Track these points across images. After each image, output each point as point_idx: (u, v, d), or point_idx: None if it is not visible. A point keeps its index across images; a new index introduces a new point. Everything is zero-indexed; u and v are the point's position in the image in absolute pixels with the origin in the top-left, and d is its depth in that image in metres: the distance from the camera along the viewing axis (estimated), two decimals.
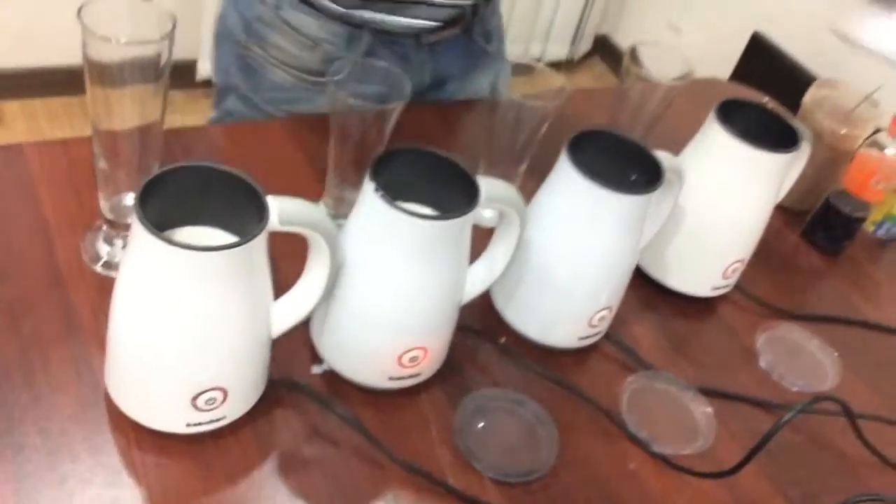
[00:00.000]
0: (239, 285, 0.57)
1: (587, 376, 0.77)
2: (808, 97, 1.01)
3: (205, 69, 2.31)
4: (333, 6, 0.91)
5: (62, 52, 2.12)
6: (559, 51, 2.86)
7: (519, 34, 2.75)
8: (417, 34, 0.96)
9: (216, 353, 0.58)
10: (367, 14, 0.92)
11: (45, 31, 2.09)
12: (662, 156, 0.72)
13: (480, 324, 0.78)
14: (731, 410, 0.77)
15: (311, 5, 0.92)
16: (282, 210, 0.56)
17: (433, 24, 0.96)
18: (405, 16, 0.94)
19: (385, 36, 0.95)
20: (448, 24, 0.97)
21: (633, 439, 0.72)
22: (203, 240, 0.54)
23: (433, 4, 0.94)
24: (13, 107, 2.19)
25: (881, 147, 0.95)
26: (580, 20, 2.83)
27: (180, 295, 0.55)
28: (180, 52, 2.25)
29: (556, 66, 2.88)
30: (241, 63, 0.99)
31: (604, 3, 2.83)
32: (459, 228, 0.62)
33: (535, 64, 0.86)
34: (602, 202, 0.68)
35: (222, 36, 1.02)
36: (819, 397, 0.68)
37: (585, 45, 2.91)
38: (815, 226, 1.00)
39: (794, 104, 1.02)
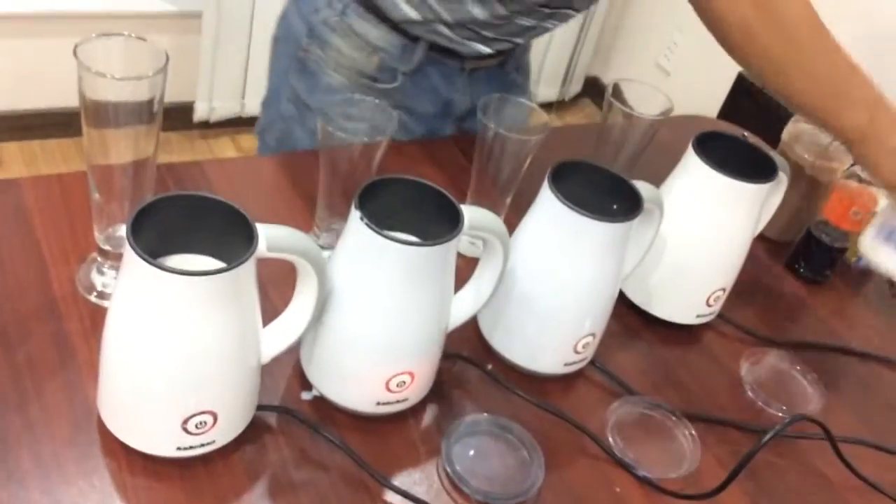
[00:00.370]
0: (228, 310, 0.58)
1: (573, 402, 0.78)
2: (787, 132, 1.04)
3: (202, 111, 2.35)
4: (410, 11, 0.96)
5: (60, 95, 2.16)
6: (550, 92, 2.91)
7: None
8: (464, 58, 1.02)
9: (206, 377, 0.59)
10: (439, 28, 0.97)
11: (42, 74, 2.14)
12: (642, 186, 0.74)
13: (468, 350, 0.79)
14: (716, 435, 0.78)
15: (381, 13, 0.97)
16: (270, 237, 0.58)
17: (488, 51, 1.01)
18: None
19: (437, 54, 1.00)
20: (493, 55, 1.03)
21: (619, 463, 0.73)
22: (193, 267, 0.55)
23: (492, 39, 1.00)
24: (11, 148, 2.23)
25: (859, 179, 0.98)
26: (570, 62, 2.88)
27: (170, 319, 0.56)
28: (177, 95, 2.29)
29: (548, 106, 2.94)
30: (300, 65, 1.04)
31: (593, 46, 2.89)
32: (444, 255, 0.64)
33: (522, 100, 0.89)
34: (582, 230, 0.70)
35: (283, 38, 1.07)
36: (797, 417, 0.70)
37: (576, 86, 2.97)
38: (798, 256, 1.02)
39: (778, 140, 1.04)
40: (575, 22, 2.77)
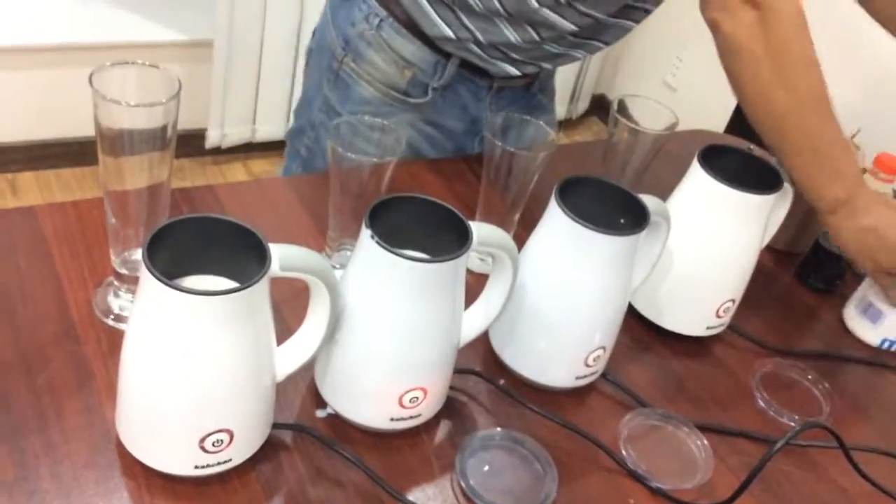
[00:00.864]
0: (243, 330, 0.59)
1: (585, 415, 0.78)
2: None
3: (214, 137, 2.38)
4: (446, 29, 0.98)
5: (74, 125, 2.19)
6: (558, 110, 2.92)
7: None
8: (492, 77, 1.05)
9: (222, 396, 0.60)
10: (472, 46, 1.00)
11: (58, 105, 2.17)
12: (649, 200, 0.75)
13: (480, 366, 0.80)
14: (729, 446, 0.79)
15: (416, 29, 1.00)
16: (283, 256, 0.59)
17: (516, 72, 1.04)
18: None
19: (467, 71, 1.03)
20: (520, 76, 1.06)
21: (633, 475, 0.73)
22: (208, 287, 0.57)
23: (521, 62, 1.03)
24: (27, 177, 2.26)
25: None
26: (577, 81, 2.90)
27: (186, 339, 0.57)
28: (189, 122, 2.32)
29: (556, 125, 2.94)
30: (333, 76, 1.06)
31: (599, 65, 2.91)
32: (453, 271, 0.65)
33: (528, 118, 0.90)
34: (590, 244, 0.71)
35: (318, 50, 1.10)
36: (808, 424, 0.70)
37: (583, 104, 2.98)
38: (807, 266, 1.03)
39: None
40: None
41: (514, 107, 1.10)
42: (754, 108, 0.84)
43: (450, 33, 0.98)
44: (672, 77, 2.69)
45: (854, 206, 0.84)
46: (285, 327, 0.67)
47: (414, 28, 1.00)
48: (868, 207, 0.84)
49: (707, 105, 2.12)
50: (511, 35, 0.97)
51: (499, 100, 1.09)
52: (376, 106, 1.04)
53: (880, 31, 1.01)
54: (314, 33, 1.13)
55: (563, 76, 2.84)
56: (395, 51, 1.01)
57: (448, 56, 1.01)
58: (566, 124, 2.98)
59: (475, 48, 0.99)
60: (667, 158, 0.93)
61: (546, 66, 1.05)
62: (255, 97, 2.36)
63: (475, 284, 0.74)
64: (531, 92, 1.13)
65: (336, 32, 1.06)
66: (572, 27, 0.96)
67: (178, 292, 0.55)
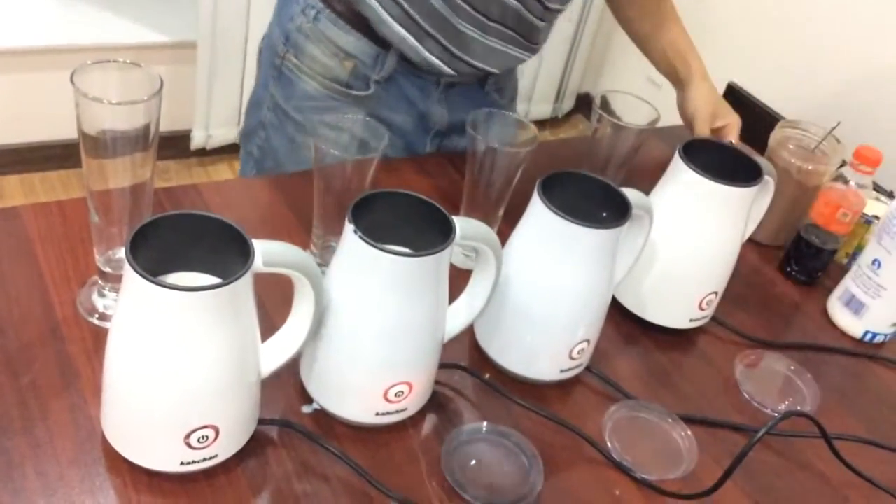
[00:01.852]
0: (226, 325, 0.59)
1: (570, 407, 0.79)
2: (773, 138, 1.06)
3: (199, 138, 2.37)
4: (393, 24, 0.98)
5: (58, 128, 2.19)
6: (543, 109, 2.94)
7: None
8: (439, 73, 1.03)
9: (207, 392, 0.60)
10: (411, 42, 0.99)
11: (41, 108, 2.16)
12: (631, 193, 0.76)
13: (465, 360, 0.80)
14: (713, 437, 0.79)
15: (351, 20, 0.99)
16: (266, 252, 0.60)
17: (456, 74, 1.03)
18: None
19: (409, 65, 1.02)
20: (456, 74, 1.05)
21: (618, 466, 0.74)
22: (192, 283, 0.57)
23: (474, 66, 1.02)
24: (12, 181, 2.25)
25: (845, 181, 0.99)
26: (562, 79, 2.91)
27: (170, 335, 0.58)
28: (174, 123, 2.32)
29: (541, 123, 2.96)
30: (277, 73, 1.07)
31: (584, 63, 2.92)
32: (436, 265, 0.65)
33: (511, 114, 0.90)
34: (573, 237, 0.72)
35: (265, 49, 1.10)
36: (788, 413, 0.71)
37: (568, 102, 2.99)
38: (789, 259, 1.04)
39: (766, 146, 1.06)
40: (565, 40, 2.80)
41: (466, 104, 1.08)
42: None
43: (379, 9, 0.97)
44: (656, 74, 2.69)
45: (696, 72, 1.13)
46: (270, 324, 0.68)
47: (351, 18, 0.99)
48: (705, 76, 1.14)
49: None
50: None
51: (449, 96, 1.08)
52: (320, 100, 1.04)
53: (859, 26, 1.02)
54: (264, 34, 1.12)
55: (548, 75, 2.85)
56: (334, 42, 1.01)
57: (388, 47, 1.01)
58: (552, 122, 2.99)
59: (408, 36, 0.98)
60: (650, 153, 0.94)
61: (476, 63, 1.03)
62: (240, 98, 2.36)
63: (460, 280, 0.75)
64: (484, 90, 1.12)
65: (278, 29, 1.06)
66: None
67: (162, 288, 0.55)
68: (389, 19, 0.97)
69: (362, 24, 0.99)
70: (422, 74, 1.04)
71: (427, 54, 1.00)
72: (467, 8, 0.97)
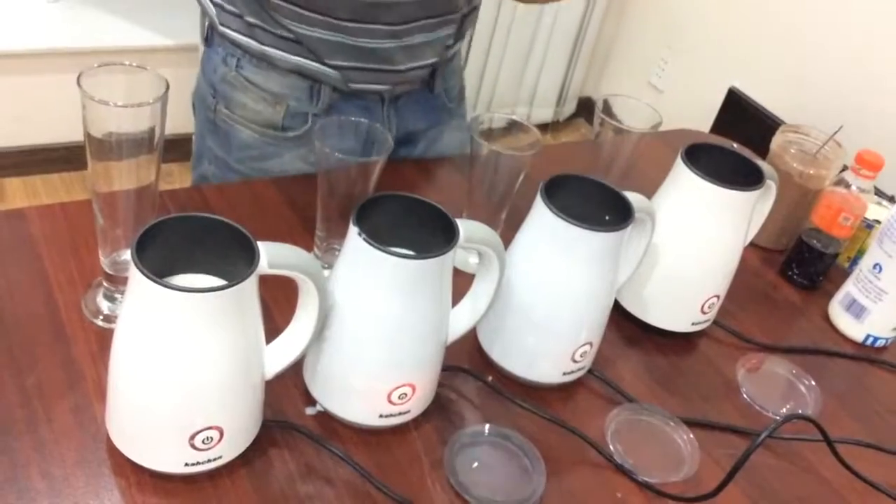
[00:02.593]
0: (231, 327, 0.60)
1: (573, 410, 0.79)
2: (775, 142, 1.06)
3: None
4: (291, 57, 0.95)
5: (62, 131, 2.19)
6: (545, 113, 2.95)
7: (506, 99, 2.83)
8: (374, 92, 1.01)
9: (212, 393, 0.61)
10: (330, 71, 0.97)
11: (45, 110, 2.17)
12: (633, 197, 0.76)
13: (468, 363, 0.80)
14: (715, 440, 0.80)
15: (268, 60, 0.97)
16: (271, 254, 0.60)
17: (390, 87, 1.00)
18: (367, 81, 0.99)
19: (345, 92, 1.00)
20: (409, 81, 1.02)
21: (620, 469, 0.74)
22: (197, 285, 0.57)
23: (396, 71, 0.99)
24: (15, 183, 2.26)
25: (847, 185, 1.00)
26: (563, 84, 2.92)
27: (175, 336, 0.58)
28: (177, 126, 2.31)
29: (543, 127, 2.97)
30: (212, 126, 1.05)
31: (585, 67, 2.92)
32: (440, 267, 0.66)
33: (514, 118, 0.91)
34: (575, 241, 0.72)
35: (196, 103, 1.08)
36: (790, 416, 0.71)
37: (570, 107, 3.00)
38: (791, 263, 1.04)
39: (768, 151, 1.07)
40: (567, 44, 2.81)
41: (417, 112, 1.07)
42: None
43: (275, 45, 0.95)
44: (658, 79, 2.70)
45: None
46: (274, 325, 0.68)
47: (268, 59, 0.97)
48: None
49: (692, 106, 2.14)
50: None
51: (399, 111, 1.05)
52: (259, 148, 1.02)
53: (860, 32, 1.03)
54: (193, 91, 1.10)
55: (549, 79, 2.86)
56: (260, 87, 0.98)
57: (319, 81, 0.97)
58: (553, 126, 3.00)
59: (327, 70, 0.96)
60: (652, 157, 0.94)
61: (405, 66, 0.99)
62: None
63: (463, 283, 0.75)
64: (434, 94, 1.08)
65: (204, 82, 1.04)
66: None
67: (167, 290, 0.56)
68: (302, 61, 0.95)
69: (285, 67, 0.97)
70: (362, 96, 1.01)
71: (355, 84, 0.98)
72: (369, 27, 0.93)
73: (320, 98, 0.99)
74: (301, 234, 0.91)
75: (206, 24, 1.04)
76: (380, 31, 0.94)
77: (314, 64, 0.96)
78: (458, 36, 1.05)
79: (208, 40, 1.04)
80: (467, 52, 2.61)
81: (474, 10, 1.05)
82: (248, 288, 0.59)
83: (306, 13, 0.92)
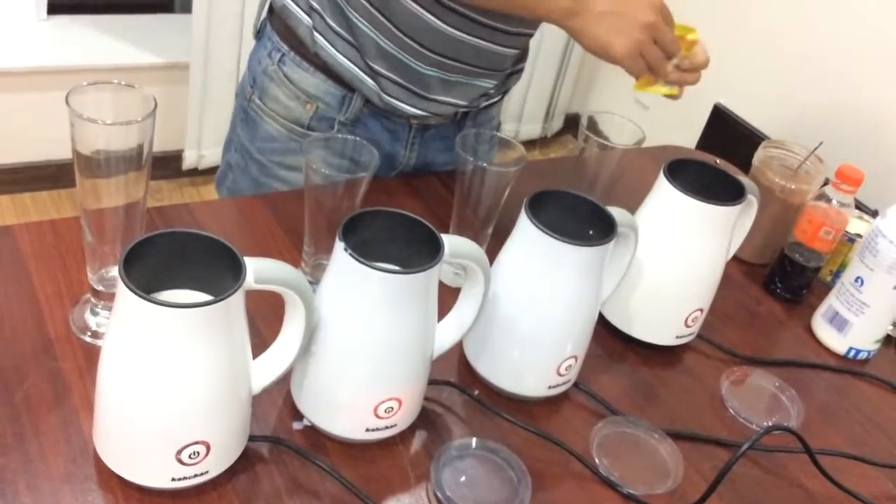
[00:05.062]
0: (218, 342, 0.60)
1: (558, 423, 0.80)
2: (757, 157, 1.07)
3: (191, 158, 2.39)
4: (347, 63, 0.98)
5: (51, 149, 2.19)
6: (533, 129, 2.97)
7: None
8: (404, 115, 1.03)
9: (198, 407, 0.61)
10: (367, 78, 0.99)
11: (34, 128, 2.17)
12: (616, 212, 0.77)
13: (455, 377, 0.81)
14: (699, 452, 0.80)
15: (315, 62, 0.99)
16: (257, 269, 0.61)
17: (425, 114, 1.03)
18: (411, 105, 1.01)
19: (375, 108, 1.02)
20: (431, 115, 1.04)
21: (605, 482, 0.75)
22: (184, 301, 0.58)
23: (427, 98, 1.01)
24: (4, 201, 2.26)
25: (828, 199, 1.01)
26: (551, 100, 2.94)
27: (162, 351, 0.58)
28: (166, 143, 2.33)
29: (531, 143, 2.98)
30: (244, 115, 1.08)
31: (572, 84, 2.95)
32: (425, 282, 0.67)
33: (499, 134, 0.92)
34: (559, 255, 0.73)
35: (238, 92, 1.11)
36: (771, 427, 0.72)
37: (557, 122, 3.02)
38: (774, 277, 1.05)
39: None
40: (554, 62, 2.83)
41: (440, 146, 1.09)
42: None
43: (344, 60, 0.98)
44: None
45: (585, 6, 0.87)
46: (261, 340, 0.68)
47: (315, 61, 1.00)
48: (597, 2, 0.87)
49: (678, 123, 2.16)
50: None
51: (423, 139, 1.07)
52: (282, 142, 1.05)
53: (841, 49, 1.04)
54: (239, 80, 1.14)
55: (537, 96, 2.88)
56: (296, 85, 1.01)
57: (353, 90, 1.00)
58: (541, 142, 3.02)
59: (366, 78, 0.98)
60: (637, 173, 0.96)
61: (440, 98, 1.02)
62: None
63: (449, 298, 0.76)
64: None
65: (248, 72, 1.08)
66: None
67: (154, 305, 0.56)
68: (346, 62, 0.98)
69: (326, 68, 1.00)
70: (389, 117, 1.04)
71: (387, 97, 1.00)
72: (421, 49, 0.96)
73: (350, 107, 1.02)
74: (289, 249, 0.92)
75: (262, 16, 1.07)
76: (429, 57, 0.97)
77: (354, 67, 0.98)
78: (499, 90, 1.09)
79: (259, 33, 1.07)
80: None
81: (520, 71, 1.10)
82: (235, 303, 0.59)
83: (377, 14, 0.94)
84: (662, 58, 0.90)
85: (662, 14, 0.88)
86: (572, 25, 0.89)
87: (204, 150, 2.39)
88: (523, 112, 2.89)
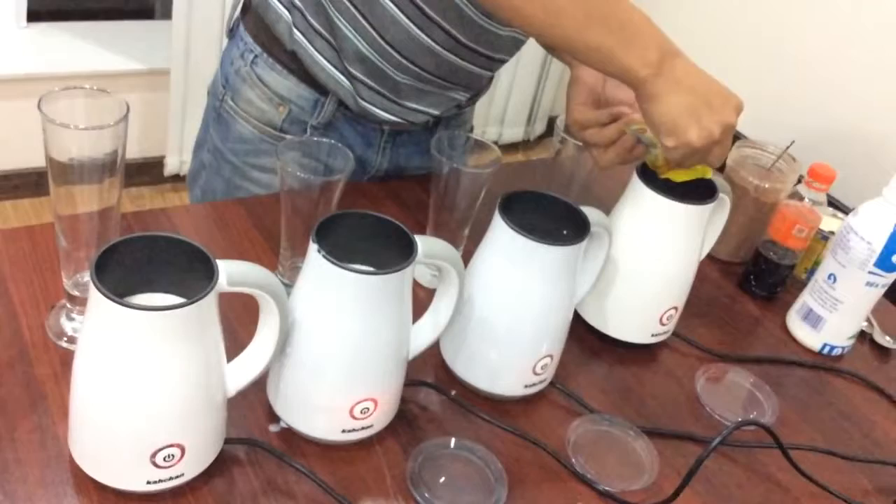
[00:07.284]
0: (191, 345, 0.60)
1: (535, 422, 0.80)
2: (731, 158, 1.09)
3: (172, 165, 2.38)
4: (325, 64, 0.98)
5: (31, 156, 2.18)
6: (515, 132, 2.98)
7: (477, 119, 2.85)
8: (377, 120, 1.03)
9: (172, 410, 0.61)
10: (343, 80, 0.99)
11: (13, 136, 2.16)
12: (590, 211, 0.78)
13: (432, 378, 0.82)
14: (674, 448, 0.81)
15: (288, 65, 0.99)
16: (230, 272, 0.61)
17: (398, 120, 1.03)
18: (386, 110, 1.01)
19: (349, 112, 1.02)
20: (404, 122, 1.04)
21: (582, 479, 0.75)
22: (157, 304, 0.58)
23: (400, 105, 1.01)
24: None
25: (801, 198, 1.02)
26: (533, 103, 2.96)
27: (135, 355, 0.59)
28: (148, 150, 2.32)
29: (514, 146, 3.00)
30: (216, 116, 1.07)
31: (554, 87, 2.97)
32: (399, 283, 0.67)
33: (475, 136, 0.93)
34: (533, 255, 0.74)
35: (210, 91, 1.11)
36: (742, 422, 0.72)
37: (540, 126, 3.04)
38: (749, 275, 1.06)
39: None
40: (536, 65, 2.84)
41: (412, 152, 1.09)
42: (550, 8, 0.77)
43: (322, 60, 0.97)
44: None
45: (664, 68, 0.77)
46: (238, 343, 0.69)
47: (289, 64, 0.99)
48: (687, 70, 0.78)
49: None
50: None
51: (395, 144, 1.07)
52: (254, 144, 1.04)
53: (813, 51, 1.06)
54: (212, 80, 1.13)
55: (520, 99, 2.90)
56: (269, 87, 1.01)
57: (326, 94, 1.00)
58: (524, 145, 3.04)
59: (343, 79, 0.98)
60: (613, 173, 0.96)
61: (412, 105, 1.02)
62: None
63: (426, 299, 0.76)
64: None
65: (220, 72, 1.07)
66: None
67: (126, 308, 0.56)
68: (323, 61, 0.98)
69: (300, 70, 0.99)
70: (362, 121, 1.04)
71: (362, 101, 1.00)
72: (400, 59, 0.96)
73: (323, 111, 1.01)
74: (266, 252, 0.92)
75: (234, 15, 1.06)
76: (407, 67, 0.97)
77: (331, 68, 0.98)
78: (470, 101, 1.10)
79: (232, 32, 1.07)
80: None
81: (489, 82, 1.09)
82: (208, 305, 0.60)
83: (361, 19, 0.94)
84: (722, 160, 0.83)
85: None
86: (652, 85, 0.77)
87: (185, 155, 2.39)
88: (506, 116, 2.91)
